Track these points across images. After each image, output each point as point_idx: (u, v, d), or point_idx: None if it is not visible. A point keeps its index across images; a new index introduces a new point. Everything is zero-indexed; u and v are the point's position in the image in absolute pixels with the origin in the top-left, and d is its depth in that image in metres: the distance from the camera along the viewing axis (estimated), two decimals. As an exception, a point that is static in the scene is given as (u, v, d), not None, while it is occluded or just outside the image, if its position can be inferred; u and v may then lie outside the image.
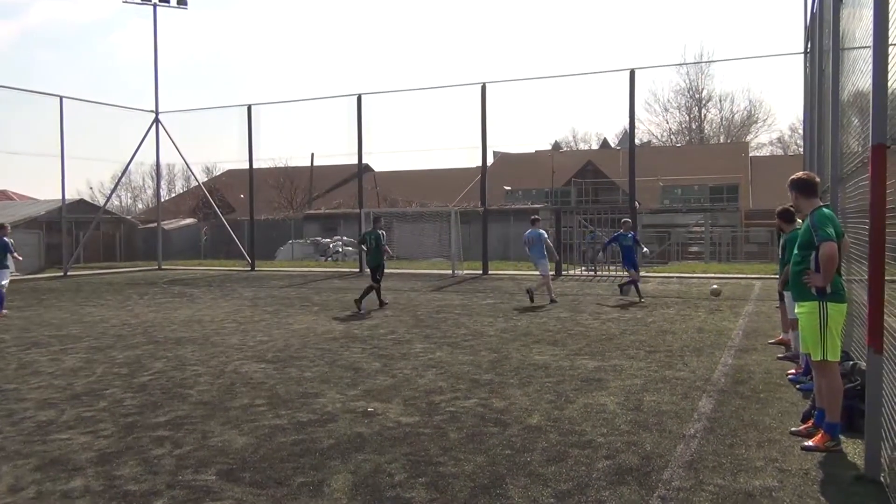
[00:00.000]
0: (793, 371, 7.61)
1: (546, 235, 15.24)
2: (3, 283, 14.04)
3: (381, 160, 79.26)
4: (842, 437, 5.22)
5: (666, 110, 67.01)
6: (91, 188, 64.82)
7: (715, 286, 12.23)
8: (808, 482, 4.51)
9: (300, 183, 50.16)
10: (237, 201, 45.96)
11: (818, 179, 5.74)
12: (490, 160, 31.75)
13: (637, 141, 25.86)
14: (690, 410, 6.23)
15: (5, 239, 14.29)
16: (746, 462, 4.89)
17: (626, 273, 16.33)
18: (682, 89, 64.99)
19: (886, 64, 4.47)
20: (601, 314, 13.02)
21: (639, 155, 24.28)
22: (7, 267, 14.26)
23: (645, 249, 16.76)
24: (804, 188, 5.51)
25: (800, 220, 6.48)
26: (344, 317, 13.09)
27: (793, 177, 5.61)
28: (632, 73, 22.09)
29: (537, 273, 15.72)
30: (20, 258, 14.86)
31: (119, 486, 4.63)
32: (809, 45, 17.45)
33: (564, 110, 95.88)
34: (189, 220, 44.76)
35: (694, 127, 66.08)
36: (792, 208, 7.62)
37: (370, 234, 14.73)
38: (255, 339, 10.65)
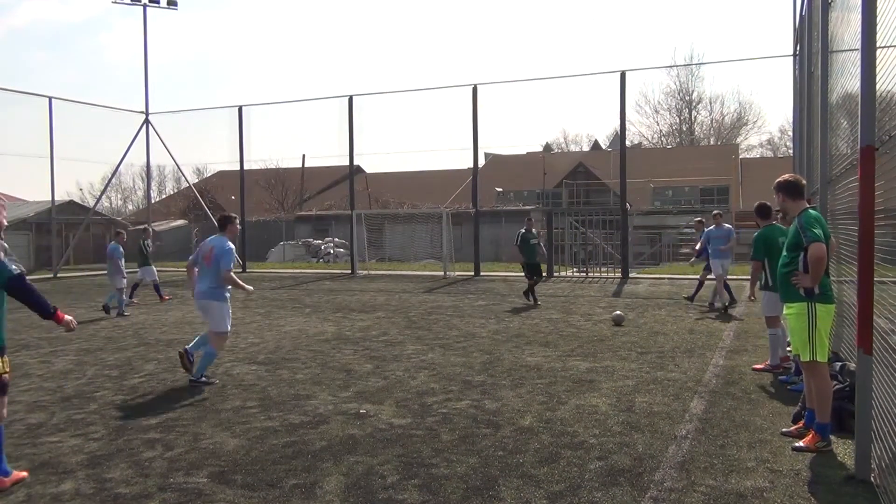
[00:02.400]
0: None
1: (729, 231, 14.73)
2: (153, 278, 16.65)
3: (372, 162, 79.41)
4: (832, 438, 5.25)
5: (657, 112, 67.50)
6: (81, 189, 64.42)
7: (618, 313, 11.97)
8: (798, 482, 4.54)
9: (291, 184, 50.07)
10: (228, 202, 45.71)
11: (804, 181, 5.78)
12: (481, 161, 31.72)
13: (628, 143, 25.89)
14: (682, 411, 6.25)
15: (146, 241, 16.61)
16: (738, 463, 4.91)
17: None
18: (673, 91, 65.38)
19: (874, 67, 4.51)
20: (593, 315, 13.05)
21: (630, 157, 24.34)
22: (149, 264, 16.54)
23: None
24: (791, 190, 5.53)
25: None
26: (335, 318, 13.05)
27: (779, 179, 5.63)
28: (622, 75, 22.17)
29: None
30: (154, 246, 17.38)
31: (110, 488, 4.61)
32: (798, 48, 17.54)
33: (555, 112, 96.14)
34: (180, 222, 44.55)
35: (684, 129, 66.37)
36: (768, 204, 7.60)
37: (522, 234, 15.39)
38: (247, 340, 10.62)
